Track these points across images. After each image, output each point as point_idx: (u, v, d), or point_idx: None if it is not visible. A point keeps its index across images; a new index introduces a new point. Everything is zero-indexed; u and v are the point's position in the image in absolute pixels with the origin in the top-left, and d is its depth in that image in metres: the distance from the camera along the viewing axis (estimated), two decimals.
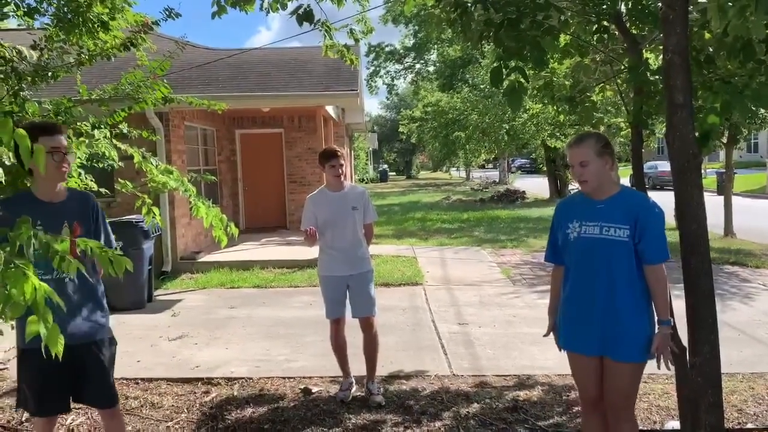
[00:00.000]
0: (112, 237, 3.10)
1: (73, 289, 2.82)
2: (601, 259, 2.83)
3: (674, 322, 3.10)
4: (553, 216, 3.13)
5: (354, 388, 4.53)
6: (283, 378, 4.95)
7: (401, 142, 47.07)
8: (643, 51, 4.10)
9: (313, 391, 4.64)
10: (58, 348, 1.83)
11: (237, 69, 11.46)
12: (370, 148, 43.86)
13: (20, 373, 2.91)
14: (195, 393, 4.67)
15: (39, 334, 2.54)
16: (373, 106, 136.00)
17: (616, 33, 4.09)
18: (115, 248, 2.96)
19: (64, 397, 2.92)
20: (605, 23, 3.99)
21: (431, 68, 41.41)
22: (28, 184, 3.77)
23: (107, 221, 3.11)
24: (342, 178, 4.44)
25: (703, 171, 3.11)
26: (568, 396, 4.48)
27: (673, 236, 2.84)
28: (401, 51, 41.31)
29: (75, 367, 2.84)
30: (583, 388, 3.05)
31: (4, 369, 5.24)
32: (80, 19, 4.17)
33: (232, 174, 13.83)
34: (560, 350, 3.10)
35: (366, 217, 4.54)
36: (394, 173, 57.23)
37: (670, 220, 3.18)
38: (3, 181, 3.05)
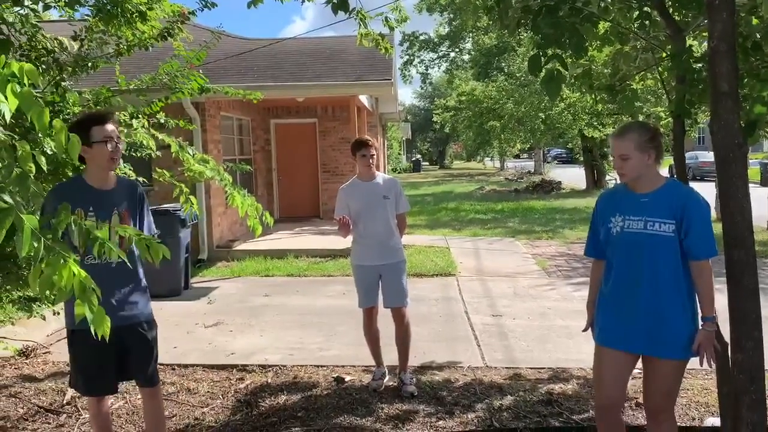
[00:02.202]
0: (153, 225, 3.19)
1: (119, 272, 2.89)
2: (646, 255, 2.76)
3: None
4: (594, 209, 3.05)
5: (387, 378, 4.54)
6: (317, 366, 4.99)
7: (435, 132, 46.83)
8: (687, 38, 3.98)
9: (346, 379, 4.67)
10: (105, 329, 1.88)
11: (272, 59, 11.52)
12: (404, 138, 43.71)
13: (70, 354, 3.02)
14: (230, 380, 4.74)
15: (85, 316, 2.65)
16: (406, 95, 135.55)
17: (659, 19, 3.97)
18: (154, 235, 3.03)
19: (111, 378, 3.01)
20: (647, 9, 3.88)
21: (466, 57, 41.01)
22: (70, 174, 3.87)
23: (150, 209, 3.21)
24: (372, 168, 4.44)
25: (747, 161, 3.00)
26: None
27: (715, 229, 2.76)
28: (436, 39, 40.97)
29: (121, 347, 2.94)
30: (606, 387, 2.94)
31: (47, 353, 5.39)
32: (119, 10, 4.23)
33: (267, 164, 13.94)
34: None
35: (398, 207, 4.53)
36: (427, 163, 57.01)
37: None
38: (46, 170, 3.13)
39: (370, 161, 4.41)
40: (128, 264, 2.92)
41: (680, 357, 2.79)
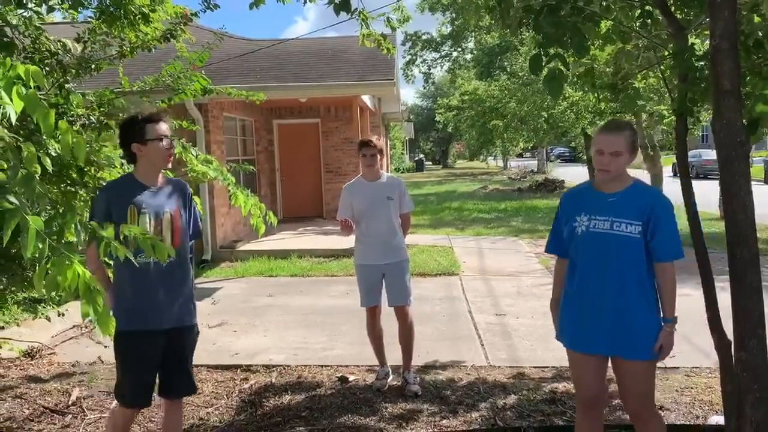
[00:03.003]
0: (200, 223, 3.17)
1: (172, 272, 2.86)
2: (612, 255, 2.75)
3: (719, 315, 3.03)
4: (558, 207, 3.05)
5: (390, 378, 4.55)
6: (321, 366, 5.00)
7: (437, 132, 46.81)
8: (689, 36, 3.97)
9: (349, 379, 4.68)
10: (110, 329, 1.88)
11: (274, 60, 11.54)
12: (407, 138, 43.71)
13: (122, 360, 2.87)
14: (234, 380, 4.75)
15: (135, 316, 2.67)
16: (409, 95, 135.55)
17: (660, 18, 3.97)
18: (200, 233, 3.10)
19: (152, 387, 2.92)
20: (649, 8, 3.88)
21: (468, 56, 40.99)
22: (74, 175, 3.88)
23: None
24: (375, 168, 4.45)
25: (750, 159, 3.00)
26: (608, 390, 4.41)
27: (717, 227, 2.76)
28: (438, 39, 40.95)
29: (167, 351, 2.89)
30: (585, 386, 2.94)
31: (52, 354, 5.41)
32: (122, 12, 4.24)
33: (270, 164, 13.96)
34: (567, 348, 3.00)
35: (402, 207, 4.54)
36: (430, 162, 57.00)
37: (711, 210, 3.09)
38: (51, 171, 3.14)
39: (372, 161, 4.41)
40: (184, 263, 2.94)
41: (648, 357, 2.78)
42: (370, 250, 4.45)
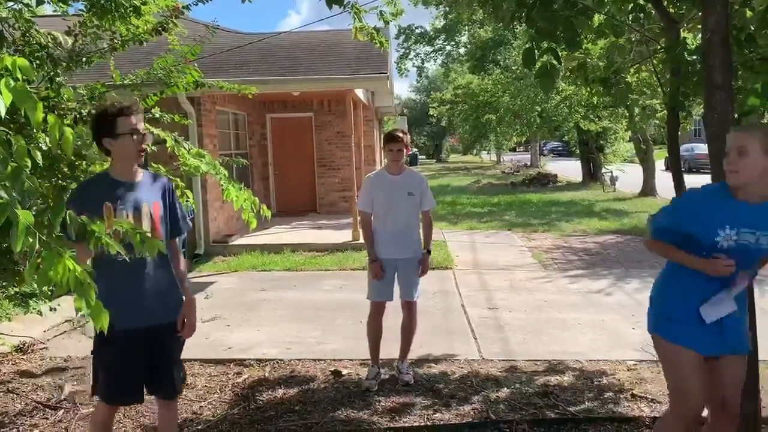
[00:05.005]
0: (187, 218, 3.09)
1: (152, 268, 2.79)
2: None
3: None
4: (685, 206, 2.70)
5: (381, 378, 4.54)
6: (314, 360, 5.00)
7: (431, 126, 46.77)
8: (681, 30, 3.98)
9: (343, 373, 4.68)
10: (103, 323, 1.87)
11: (267, 53, 11.49)
12: None
13: (99, 357, 2.84)
14: (228, 374, 4.75)
15: (119, 314, 2.64)
16: (402, 89, 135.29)
17: (653, 12, 3.98)
18: (190, 223, 3.02)
19: (139, 385, 2.86)
20: (641, 2, 3.89)
21: (462, 50, 40.90)
22: (65, 169, 3.86)
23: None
24: (400, 163, 4.45)
25: None
26: (599, 381, 4.44)
27: None
28: (431, 33, 40.84)
29: (151, 349, 2.83)
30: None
31: (44, 348, 5.39)
32: (113, 5, 4.22)
33: (263, 158, 13.92)
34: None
35: (424, 204, 4.53)
36: (424, 157, 56.97)
37: None
38: (41, 165, 3.12)
39: (399, 156, 4.40)
40: (166, 259, 2.88)
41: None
42: (386, 244, 4.44)
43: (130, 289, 2.76)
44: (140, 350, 2.80)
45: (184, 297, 2.97)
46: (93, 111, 4.04)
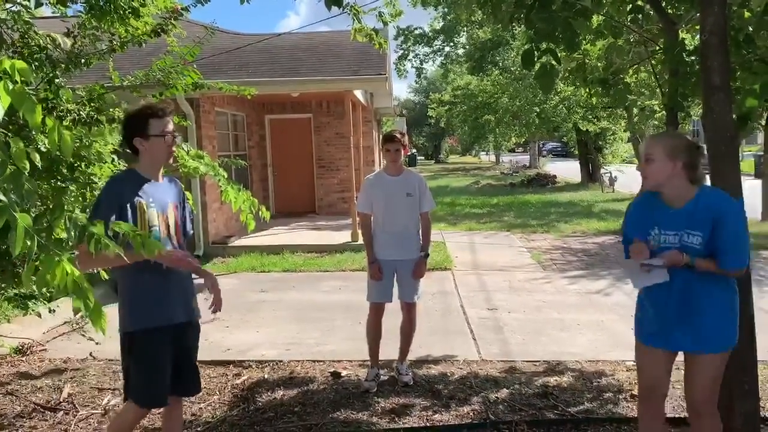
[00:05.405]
0: (191, 222, 3.17)
1: (170, 269, 2.83)
2: None
3: None
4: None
5: (380, 379, 4.54)
6: (313, 361, 5.00)
7: (430, 126, 46.79)
8: (679, 31, 3.99)
9: (342, 374, 4.68)
10: (102, 323, 1.87)
11: (266, 54, 11.49)
12: None
13: (130, 362, 2.79)
14: (227, 375, 4.75)
15: (150, 314, 2.66)
16: (401, 90, 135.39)
17: (651, 13, 3.99)
18: (192, 227, 3.13)
19: (168, 385, 2.83)
20: (640, 3, 3.90)
21: (461, 51, 40.90)
22: (65, 171, 3.85)
23: None
24: (398, 163, 4.45)
25: (740, 154, 3.02)
26: (599, 382, 4.44)
27: None
28: (430, 34, 40.84)
29: (179, 348, 2.89)
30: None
31: (43, 350, 5.39)
32: (112, 6, 4.21)
33: (262, 159, 13.92)
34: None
35: (422, 205, 4.52)
36: (423, 157, 56.95)
37: None
38: (40, 167, 3.12)
39: (395, 156, 4.41)
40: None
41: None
42: (385, 245, 4.44)
43: (166, 288, 2.85)
44: (172, 348, 2.86)
45: (203, 279, 3.11)
46: (92, 113, 4.05)
